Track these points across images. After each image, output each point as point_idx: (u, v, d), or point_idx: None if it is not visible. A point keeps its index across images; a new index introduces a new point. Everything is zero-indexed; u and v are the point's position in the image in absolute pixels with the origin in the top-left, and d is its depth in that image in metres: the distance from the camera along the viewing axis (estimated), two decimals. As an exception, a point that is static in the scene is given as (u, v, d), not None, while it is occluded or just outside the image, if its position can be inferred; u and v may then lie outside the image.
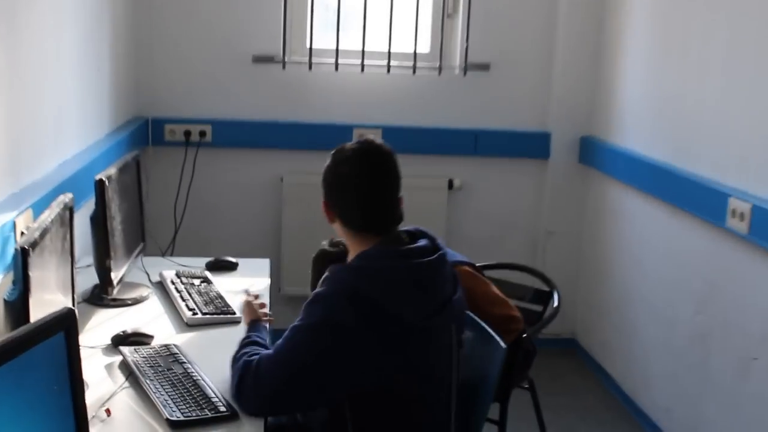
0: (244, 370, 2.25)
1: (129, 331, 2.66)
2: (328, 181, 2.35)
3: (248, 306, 2.76)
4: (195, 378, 2.36)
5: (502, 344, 2.46)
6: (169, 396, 2.26)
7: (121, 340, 2.62)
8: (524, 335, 3.25)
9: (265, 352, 2.30)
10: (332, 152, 2.37)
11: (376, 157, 2.32)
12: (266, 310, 2.78)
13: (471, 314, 2.65)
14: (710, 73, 3.62)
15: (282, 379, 2.19)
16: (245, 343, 2.43)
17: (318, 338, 2.17)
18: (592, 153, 4.79)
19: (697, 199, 3.62)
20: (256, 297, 2.88)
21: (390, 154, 2.34)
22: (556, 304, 3.48)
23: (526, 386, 3.50)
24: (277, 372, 2.20)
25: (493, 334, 2.53)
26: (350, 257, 2.32)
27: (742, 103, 3.37)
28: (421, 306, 2.23)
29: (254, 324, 2.61)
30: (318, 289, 2.24)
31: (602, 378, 4.69)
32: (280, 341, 2.23)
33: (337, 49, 4.68)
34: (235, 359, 2.35)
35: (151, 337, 2.67)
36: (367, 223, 2.31)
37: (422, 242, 2.31)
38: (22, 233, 2.38)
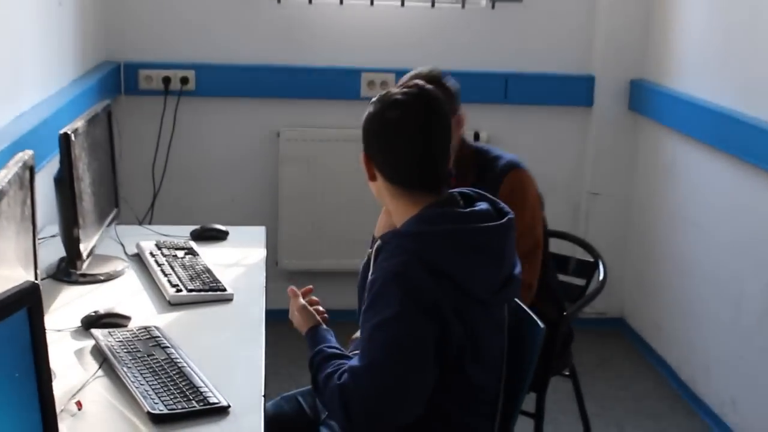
0: (341, 395, 2.18)
1: (102, 311, 2.66)
2: (374, 129, 2.34)
3: (303, 311, 2.51)
4: (180, 365, 2.36)
5: (541, 324, 2.47)
6: (150, 386, 2.26)
7: (92, 321, 2.62)
8: (564, 313, 3.27)
9: (352, 364, 2.22)
10: (375, 99, 2.37)
11: (434, 103, 2.33)
12: (321, 307, 2.59)
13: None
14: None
15: (392, 388, 2.17)
16: (320, 360, 2.33)
17: (411, 325, 2.16)
18: (644, 99, 4.77)
19: (768, 151, 3.61)
20: (307, 294, 2.62)
21: (444, 101, 2.39)
22: (601, 277, 3.48)
23: (567, 373, 3.51)
24: (382, 382, 2.16)
25: (531, 313, 2.54)
26: (397, 217, 2.33)
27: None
28: (490, 278, 2.26)
29: (315, 332, 2.46)
30: (379, 267, 2.22)
31: (655, 363, 4.70)
32: (363, 344, 2.20)
33: (341, -21, 4.68)
34: (322, 386, 2.27)
35: (128, 318, 2.67)
36: (422, 179, 2.31)
37: (482, 205, 2.31)
38: (-25, 197, 2.38)
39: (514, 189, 3.12)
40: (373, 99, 2.37)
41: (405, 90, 2.33)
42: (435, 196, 2.31)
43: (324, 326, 2.47)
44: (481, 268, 2.25)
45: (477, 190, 2.41)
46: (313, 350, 2.38)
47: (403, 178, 2.32)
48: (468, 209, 2.28)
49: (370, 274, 2.28)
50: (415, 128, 2.30)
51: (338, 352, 2.36)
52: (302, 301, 2.54)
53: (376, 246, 2.27)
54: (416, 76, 3.04)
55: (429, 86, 2.38)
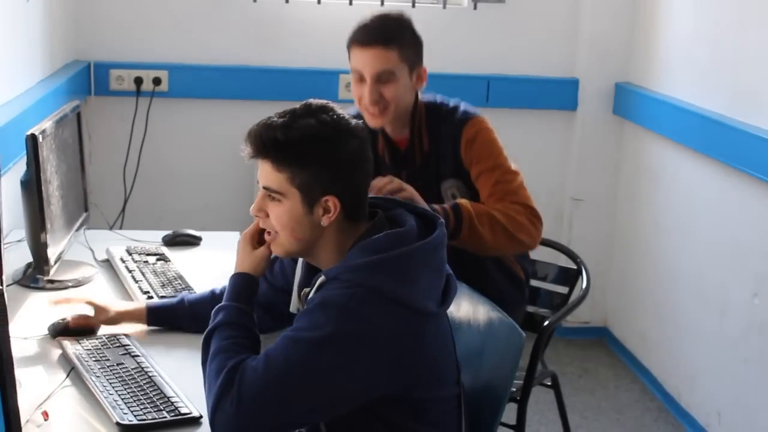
0: (226, 382, 2.13)
1: (70, 318, 2.65)
2: (341, 163, 2.22)
3: (250, 239, 2.41)
4: (150, 374, 2.35)
5: (521, 332, 2.48)
6: (119, 395, 2.25)
7: (60, 330, 2.61)
8: (546, 323, 3.28)
9: (253, 361, 2.16)
10: (328, 122, 2.21)
11: (366, 128, 2.34)
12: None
13: (479, 293, 2.67)
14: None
15: (276, 402, 2.12)
16: (224, 323, 2.27)
17: (336, 352, 2.12)
18: (629, 103, 4.79)
19: (757, 157, 3.62)
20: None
21: None
22: (584, 285, 3.48)
23: (549, 383, 3.51)
24: (271, 395, 2.11)
25: (509, 319, 2.54)
26: (329, 253, 2.27)
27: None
28: (435, 291, 2.25)
29: (243, 282, 2.36)
30: (325, 295, 2.16)
31: (639, 373, 4.72)
32: (273, 350, 2.14)
33: (319, -23, 4.68)
34: (212, 355, 2.21)
35: (96, 326, 2.66)
36: (365, 207, 2.30)
37: (409, 219, 2.30)
38: (-62, 200, 2.37)
39: (475, 140, 3.15)
40: (309, 122, 2.20)
41: (342, 116, 2.25)
42: (369, 221, 2.29)
43: (256, 279, 2.37)
44: (428, 284, 2.23)
45: (391, 198, 2.43)
46: (228, 303, 2.30)
47: (359, 211, 2.27)
48: (403, 228, 2.25)
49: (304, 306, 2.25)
50: (368, 157, 2.27)
51: (250, 326, 2.29)
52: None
53: (318, 282, 2.20)
54: (383, 17, 3.15)
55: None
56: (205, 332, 2.29)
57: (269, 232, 2.29)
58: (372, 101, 3.06)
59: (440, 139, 3.17)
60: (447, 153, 3.17)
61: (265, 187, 2.23)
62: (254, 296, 2.36)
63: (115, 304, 2.71)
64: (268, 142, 2.20)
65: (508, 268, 3.28)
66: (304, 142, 2.18)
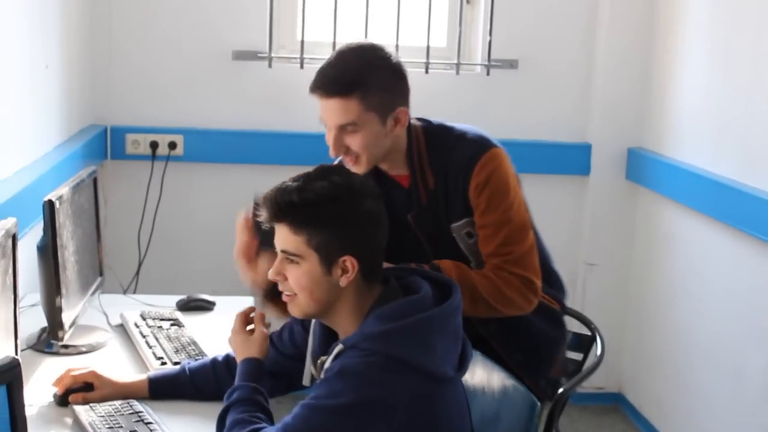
0: None
1: (76, 385, 2.65)
2: (357, 223, 2.24)
3: (246, 335, 2.51)
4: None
5: (536, 400, 2.47)
6: (131, 462, 2.25)
7: (65, 396, 2.59)
8: (560, 390, 3.25)
9: (271, 430, 2.18)
10: (341, 184, 2.23)
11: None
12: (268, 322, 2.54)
13: (494, 363, 2.66)
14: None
15: None
16: (242, 399, 2.31)
17: (356, 419, 2.13)
18: (642, 168, 4.79)
19: (769, 223, 3.62)
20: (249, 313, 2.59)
21: None
22: (599, 351, 3.46)
23: (564, 451, 3.48)
24: None
25: (524, 387, 2.53)
26: (347, 315, 2.29)
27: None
28: (452, 357, 2.26)
29: (250, 366, 2.43)
30: (343, 362, 2.17)
31: (655, 440, 4.68)
32: (292, 419, 2.14)
33: (334, 43, 4.69)
34: (229, 427, 2.24)
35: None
36: (381, 267, 2.32)
37: (424, 285, 2.31)
38: (-45, 266, 2.38)
39: (487, 185, 2.82)
40: (323, 184, 2.21)
41: (356, 177, 2.29)
42: (384, 285, 2.31)
43: (261, 361, 2.44)
44: (445, 350, 2.24)
45: (403, 266, 2.44)
46: (241, 383, 2.35)
47: (375, 271, 2.29)
48: (419, 294, 2.26)
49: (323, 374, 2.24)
50: (384, 215, 2.29)
51: (264, 404, 2.32)
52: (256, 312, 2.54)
53: (336, 351, 2.21)
54: (346, 58, 2.76)
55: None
56: (221, 409, 2.30)
57: (288, 294, 2.30)
58: (337, 152, 2.77)
59: (448, 174, 2.84)
60: (456, 190, 2.84)
61: (282, 251, 2.25)
62: (263, 377, 2.41)
63: (118, 377, 2.65)
64: (284, 205, 2.22)
65: (541, 305, 2.98)
66: (320, 204, 2.21)
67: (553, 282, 3.14)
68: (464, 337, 2.32)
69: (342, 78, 2.69)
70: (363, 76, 2.70)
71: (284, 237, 2.24)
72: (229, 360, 2.64)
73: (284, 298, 2.32)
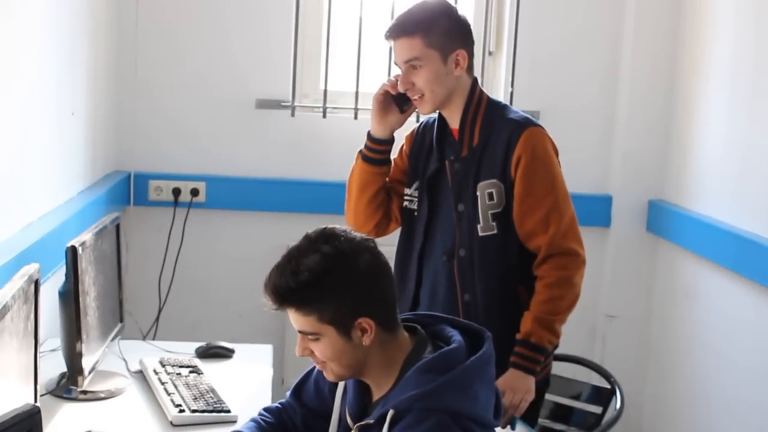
0: None
1: (95, 431, 2.65)
2: (359, 284, 2.23)
3: None
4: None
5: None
6: None
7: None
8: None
9: None
10: (330, 253, 2.22)
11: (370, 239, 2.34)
12: None
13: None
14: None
15: None
16: None
17: None
18: (663, 220, 4.78)
19: (791, 278, 3.60)
20: None
21: None
22: (618, 405, 3.45)
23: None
24: None
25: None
26: (380, 369, 2.29)
27: None
28: (492, 403, 2.28)
29: None
30: (405, 426, 2.17)
31: (675, 496, 4.63)
32: None
33: (357, 93, 4.73)
34: None
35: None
36: (396, 313, 2.31)
37: (454, 334, 2.32)
38: (-23, 311, 2.39)
39: (539, 148, 3.12)
40: (315, 259, 2.20)
41: (343, 239, 2.25)
42: (411, 334, 2.32)
43: None
44: (486, 398, 2.26)
45: (430, 313, 2.46)
46: None
47: (393, 319, 2.29)
48: (454, 345, 2.27)
49: None
50: (383, 264, 2.29)
51: None
52: None
53: (390, 416, 2.19)
54: (414, 7, 3.17)
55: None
56: None
57: (321, 362, 2.31)
58: (405, 86, 3.14)
59: (492, 137, 3.11)
60: (497, 153, 3.10)
61: (300, 332, 2.27)
62: None
63: None
64: (284, 293, 2.23)
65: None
66: (317, 282, 2.20)
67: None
68: (496, 387, 2.33)
69: (408, 20, 3.11)
70: (426, 18, 3.09)
71: (296, 319, 2.26)
72: (270, 412, 2.63)
73: (318, 366, 2.34)
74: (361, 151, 3.37)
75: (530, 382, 3.00)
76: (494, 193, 3.09)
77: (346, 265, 2.21)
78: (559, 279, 3.11)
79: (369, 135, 3.32)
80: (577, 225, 3.22)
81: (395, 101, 3.24)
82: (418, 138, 3.32)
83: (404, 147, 3.38)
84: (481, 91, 3.20)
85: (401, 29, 3.09)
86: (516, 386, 2.97)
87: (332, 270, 2.20)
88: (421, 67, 3.07)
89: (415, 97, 3.13)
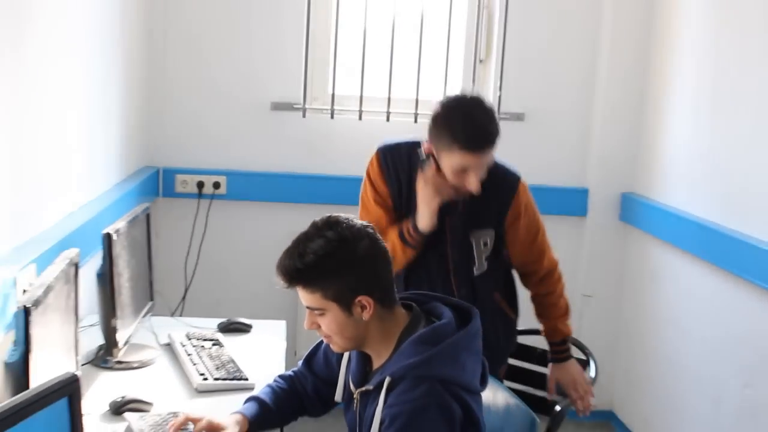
0: None
1: (128, 397, 2.67)
2: (359, 266, 2.24)
3: None
4: (204, 450, 2.36)
5: (536, 417, 2.47)
6: (176, 467, 2.27)
7: (119, 406, 2.63)
8: (558, 407, 3.25)
9: None
10: (333, 238, 2.23)
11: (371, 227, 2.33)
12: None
13: (499, 383, 2.67)
14: (762, 127, 3.63)
15: None
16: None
17: None
18: (634, 210, 4.79)
19: (748, 261, 3.61)
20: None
21: None
22: (593, 374, 3.46)
23: (560, 463, 3.47)
24: None
25: (525, 405, 2.53)
26: (379, 341, 2.31)
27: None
28: (478, 372, 2.30)
29: None
30: (400, 401, 2.19)
31: (643, 455, 4.65)
32: None
33: (361, 97, 4.73)
34: None
35: (150, 404, 2.67)
36: (394, 293, 2.32)
37: (445, 311, 2.34)
38: (24, 290, 2.41)
39: (528, 202, 3.15)
40: (319, 243, 2.22)
41: (349, 223, 2.27)
42: (407, 310, 2.33)
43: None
44: (473, 368, 2.28)
45: (424, 292, 2.46)
46: None
47: (390, 298, 2.30)
48: (444, 320, 2.29)
49: (381, 409, 2.23)
50: (381, 249, 2.29)
51: None
52: None
53: (387, 383, 2.22)
54: (482, 114, 2.93)
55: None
56: None
57: (327, 336, 2.33)
58: (474, 191, 2.91)
59: (489, 189, 2.99)
60: (491, 206, 3.06)
61: (307, 307, 2.29)
62: None
63: (229, 425, 2.46)
64: (293, 273, 2.25)
65: (504, 314, 3.29)
66: (321, 263, 2.22)
67: (513, 299, 3.35)
68: (483, 357, 2.35)
69: (490, 136, 2.90)
70: (497, 135, 2.93)
71: (304, 296, 2.28)
72: (284, 379, 2.66)
73: (324, 339, 2.36)
74: (406, 240, 3.02)
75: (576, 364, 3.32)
76: (488, 240, 3.12)
77: (347, 249, 2.22)
78: (562, 287, 3.33)
79: (416, 227, 2.99)
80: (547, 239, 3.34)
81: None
82: (393, 178, 3.12)
83: (380, 188, 3.13)
84: None
85: (486, 143, 2.91)
86: (574, 372, 3.30)
87: (335, 253, 2.22)
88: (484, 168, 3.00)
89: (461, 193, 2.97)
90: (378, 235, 2.30)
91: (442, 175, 2.93)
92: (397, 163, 3.10)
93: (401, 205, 3.09)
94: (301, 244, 2.25)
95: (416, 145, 3.10)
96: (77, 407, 1.61)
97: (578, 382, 3.28)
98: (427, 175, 2.95)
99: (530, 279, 3.31)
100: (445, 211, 3.01)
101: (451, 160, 2.88)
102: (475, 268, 3.11)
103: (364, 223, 2.30)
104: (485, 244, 3.11)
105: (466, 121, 2.88)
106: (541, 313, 3.32)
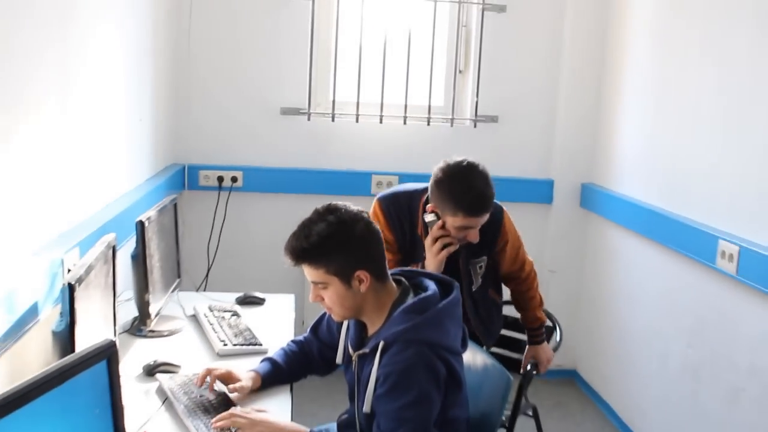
0: None
1: (159, 360, 2.67)
2: (356, 245, 2.24)
3: (271, 424, 2.29)
4: (226, 403, 2.36)
5: (509, 375, 2.47)
6: (201, 421, 2.26)
7: (151, 368, 2.63)
8: (535, 372, 3.27)
9: None
10: (334, 222, 2.23)
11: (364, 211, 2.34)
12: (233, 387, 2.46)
13: (477, 347, 2.67)
14: (701, 125, 3.64)
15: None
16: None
17: (431, 399, 2.18)
18: (592, 199, 4.80)
19: (689, 241, 3.62)
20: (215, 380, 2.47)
21: None
22: (558, 338, 3.47)
23: (530, 414, 3.48)
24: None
25: (500, 365, 2.54)
26: (373, 310, 2.31)
27: (731, 153, 3.38)
28: (459, 337, 2.31)
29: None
30: (392, 362, 2.19)
31: (601, 406, 4.66)
32: (392, 423, 2.15)
33: (357, 102, 4.72)
34: None
35: (179, 366, 2.67)
36: (386, 268, 2.33)
37: (430, 283, 2.34)
38: (69, 270, 2.41)
39: (511, 232, 3.19)
40: (321, 226, 2.22)
41: (349, 209, 2.26)
42: (397, 285, 2.33)
43: (312, 429, 2.33)
44: (455, 333, 2.29)
45: (411, 269, 2.47)
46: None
47: (383, 273, 2.30)
48: (430, 292, 2.29)
49: (377, 369, 2.23)
50: (375, 230, 2.29)
51: None
52: (256, 414, 2.28)
53: (381, 346, 2.22)
54: (483, 186, 2.91)
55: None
56: None
57: (328, 307, 2.33)
58: (472, 241, 2.95)
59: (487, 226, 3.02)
60: (484, 238, 3.03)
61: (312, 282, 2.28)
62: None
63: (244, 378, 2.51)
64: (300, 252, 2.25)
65: (496, 303, 3.34)
66: (324, 243, 2.22)
67: (499, 286, 3.36)
68: (463, 324, 2.36)
69: (488, 203, 2.91)
70: (492, 198, 2.94)
71: (309, 272, 2.27)
72: (295, 343, 2.67)
73: (326, 309, 2.35)
74: None
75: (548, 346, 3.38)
76: (483, 266, 3.16)
77: (346, 231, 2.22)
78: (537, 283, 3.37)
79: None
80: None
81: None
82: (397, 227, 3.12)
83: (387, 236, 3.04)
84: None
85: (486, 209, 2.93)
86: (547, 352, 3.35)
87: (335, 234, 2.22)
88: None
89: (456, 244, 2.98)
90: (371, 219, 2.30)
91: (446, 230, 2.94)
92: (399, 213, 3.11)
93: (406, 249, 3.11)
94: (306, 227, 2.25)
95: (412, 194, 3.12)
96: (115, 369, 1.61)
97: (548, 360, 3.34)
98: (434, 234, 2.95)
99: (514, 281, 3.33)
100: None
101: (455, 222, 2.90)
102: (473, 286, 3.15)
103: (360, 209, 2.30)
104: (480, 268, 3.16)
105: (468, 191, 2.88)
106: (521, 306, 3.36)
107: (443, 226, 2.93)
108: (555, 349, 3.42)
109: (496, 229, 3.11)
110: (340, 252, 2.22)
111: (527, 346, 3.36)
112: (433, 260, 2.96)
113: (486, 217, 2.93)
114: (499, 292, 3.36)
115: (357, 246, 2.24)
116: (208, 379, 2.46)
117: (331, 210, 2.26)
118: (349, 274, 2.23)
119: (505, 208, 3.18)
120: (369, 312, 2.31)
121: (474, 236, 2.94)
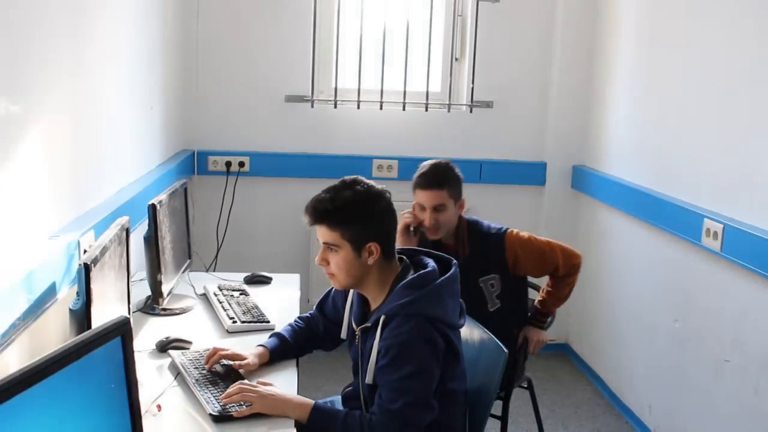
0: (396, 418, 2.15)
1: (171, 337, 2.68)
2: (376, 218, 2.25)
3: (276, 396, 2.23)
4: (234, 376, 2.37)
5: (504, 349, 2.48)
6: (211, 393, 2.27)
7: (164, 345, 2.64)
8: (521, 342, 3.27)
9: (387, 405, 2.17)
10: (361, 192, 2.24)
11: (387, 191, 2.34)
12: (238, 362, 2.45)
13: (475, 322, 2.68)
14: (688, 110, 3.63)
15: (429, 413, 2.19)
16: (342, 421, 2.20)
17: (431, 369, 2.19)
18: (583, 180, 4.79)
19: (675, 219, 3.62)
20: (219, 357, 2.44)
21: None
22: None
23: (525, 386, 3.49)
24: (425, 411, 2.19)
25: (495, 339, 2.54)
26: (375, 285, 2.31)
27: (716, 136, 3.38)
28: (457, 311, 2.32)
29: (316, 411, 2.23)
30: (394, 335, 2.19)
31: (592, 378, 4.67)
32: (392, 393, 2.16)
33: (359, 90, 4.71)
34: (359, 425, 2.17)
35: (190, 342, 2.67)
36: (395, 247, 2.34)
37: (429, 261, 2.34)
38: (85, 251, 2.41)
39: (519, 246, 3.18)
40: (347, 193, 2.23)
41: (370, 185, 2.28)
42: (399, 263, 2.33)
43: (317, 402, 2.26)
44: (453, 307, 2.29)
45: (413, 248, 2.47)
46: (329, 416, 2.22)
47: (392, 250, 2.31)
48: (429, 269, 2.30)
49: (378, 342, 2.23)
50: (394, 211, 2.31)
51: (338, 408, 2.31)
52: (263, 388, 2.24)
53: (382, 320, 2.23)
54: (435, 164, 3.15)
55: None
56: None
57: (331, 273, 2.32)
58: (430, 225, 3.11)
59: (480, 246, 3.16)
60: (488, 255, 3.16)
61: (324, 242, 2.28)
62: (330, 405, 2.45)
63: (249, 356, 2.49)
64: (322, 212, 2.24)
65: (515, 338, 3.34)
66: (347, 208, 2.23)
67: (522, 321, 3.39)
68: (461, 300, 2.37)
69: (436, 177, 3.13)
70: (448, 176, 3.14)
71: (324, 233, 2.27)
72: (302, 319, 2.68)
73: (328, 276, 2.34)
74: None
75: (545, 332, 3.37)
76: (494, 283, 3.19)
77: (371, 203, 2.24)
78: (575, 280, 3.39)
79: None
80: (559, 243, 3.31)
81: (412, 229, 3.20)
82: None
83: None
84: (462, 217, 3.21)
85: (433, 182, 3.11)
86: (541, 337, 3.34)
87: (361, 203, 2.23)
88: (443, 210, 3.12)
89: (431, 229, 3.13)
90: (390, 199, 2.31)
91: (413, 213, 3.18)
92: None
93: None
94: (332, 191, 2.26)
95: None
96: (129, 345, 1.62)
97: (539, 342, 3.33)
98: (404, 218, 3.15)
99: (554, 275, 3.33)
100: None
101: (416, 199, 3.16)
102: (489, 306, 3.18)
103: (384, 187, 2.31)
104: (492, 286, 3.19)
105: (421, 169, 3.17)
106: (552, 284, 3.35)
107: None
108: (550, 324, 3.42)
109: (499, 249, 3.16)
110: (360, 221, 2.23)
111: (526, 325, 3.35)
112: (399, 237, 3.05)
113: (437, 195, 3.08)
114: (520, 326, 3.34)
115: (376, 219, 2.25)
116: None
117: (358, 182, 2.28)
118: (362, 244, 2.24)
119: (511, 229, 3.22)
120: (371, 285, 2.31)
121: (426, 218, 3.10)
